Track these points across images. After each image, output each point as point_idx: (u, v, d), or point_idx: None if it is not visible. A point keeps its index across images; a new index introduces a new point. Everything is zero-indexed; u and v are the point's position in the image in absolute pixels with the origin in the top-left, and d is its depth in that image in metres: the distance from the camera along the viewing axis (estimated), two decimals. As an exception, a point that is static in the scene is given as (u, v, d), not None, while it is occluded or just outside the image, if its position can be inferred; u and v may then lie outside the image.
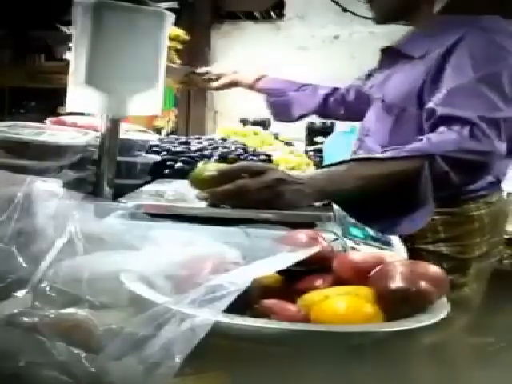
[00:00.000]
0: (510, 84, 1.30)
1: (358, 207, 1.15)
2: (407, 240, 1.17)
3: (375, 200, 1.14)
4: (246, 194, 1.02)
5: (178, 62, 3.00)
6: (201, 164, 1.19)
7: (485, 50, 1.32)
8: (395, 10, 1.52)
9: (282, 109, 1.92)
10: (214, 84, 1.99)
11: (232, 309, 0.59)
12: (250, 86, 1.96)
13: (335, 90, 1.86)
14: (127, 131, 1.36)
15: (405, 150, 1.19)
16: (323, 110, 1.88)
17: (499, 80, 1.29)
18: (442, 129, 1.24)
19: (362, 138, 1.60)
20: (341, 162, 1.17)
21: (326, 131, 2.65)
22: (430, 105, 1.30)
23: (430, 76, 1.37)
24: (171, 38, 2.69)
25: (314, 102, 1.87)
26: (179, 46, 2.94)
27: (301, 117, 1.94)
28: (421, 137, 1.24)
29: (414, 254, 1.16)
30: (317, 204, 1.11)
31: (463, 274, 1.49)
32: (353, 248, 0.97)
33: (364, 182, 1.13)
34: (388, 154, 1.19)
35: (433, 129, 1.26)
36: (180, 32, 2.98)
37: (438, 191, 1.19)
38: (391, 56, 1.54)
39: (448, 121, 1.24)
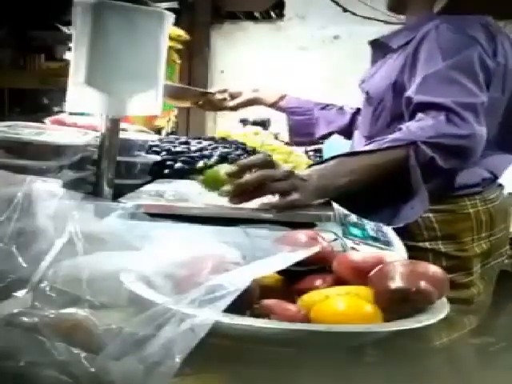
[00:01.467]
0: (482, 71, 1.32)
1: (354, 201, 1.16)
2: (405, 238, 1.18)
3: (369, 192, 1.16)
4: (267, 184, 1.04)
5: (179, 61, 3.01)
6: (213, 168, 1.17)
7: (454, 38, 1.35)
8: (399, 5, 1.58)
9: (304, 128, 1.89)
10: (232, 103, 1.91)
11: (232, 309, 0.59)
12: (272, 105, 1.93)
13: (359, 109, 1.84)
14: (127, 131, 1.36)
15: (386, 141, 1.21)
16: (349, 128, 1.85)
17: (471, 67, 1.31)
18: (419, 116, 1.26)
19: (354, 133, 1.65)
20: (328, 160, 1.18)
21: (326, 131, 2.64)
22: (407, 93, 1.32)
23: (406, 67, 1.40)
24: (172, 38, 2.69)
25: (343, 121, 1.85)
26: (180, 46, 2.94)
27: (322, 137, 1.92)
28: (400, 126, 1.26)
29: (413, 252, 1.16)
30: (316, 203, 1.12)
31: (467, 274, 1.49)
32: (353, 248, 0.97)
33: (354, 175, 1.15)
34: (371, 147, 1.21)
35: (412, 117, 1.28)
36: (181, 32, 2.99)
37: (432, 178, 1.20)
38: (379, 49, 1.58)
39: (424, 108, 1.26)
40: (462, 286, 1.47)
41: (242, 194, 1.04)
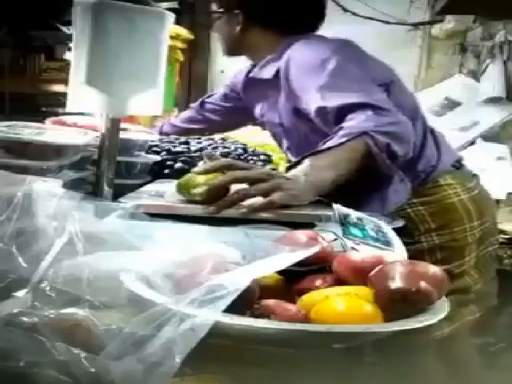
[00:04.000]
0: (362, 71, 1.38)
1: (342, 198, 1.16)
2: (402, 235, 1.18)
3: (348, 185, 1.16)
4: (244, 187, 1.03)
5: (181, 60, 3.00)
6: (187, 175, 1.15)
7: (312, 55, 1.42)
8: (233, 49, 1.67)
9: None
10: None
11: (232, 309, 0.59)
12: None
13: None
14: (127, 131, 1.36)
15: (340, 136, 1.19)
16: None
17: (348, 71, 1.37)
18: (349, 117, 1.26)
19: (286, 152, 1.69)
20: (299, 161, 1.18)
21: (326, 131, 2.64)
22: (317, 105, 1.33)
23: (289, 95, 1.46)
24: (172, 37, 2.69)
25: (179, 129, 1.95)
26: (180, 45, 2.94)
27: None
28: (340, 126, 1.25)
29: (408, 246, 1.18)
30: (310, 201, 1.12)
31: (461, 263, 1.51)
32: (353, 248, 0.97)
33: (333, 170, 1.14)
34: (330, 144, 1.20)
35: (337, 123, 1.27)
36: (182, 31, 2.98)
37: (394, 167, 1.22)
38: (255, 85, 1.65)
39: (347, 110, 1.27)
40: (457, 276, 1.49)
41: (217, 198, 1.02)
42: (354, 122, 1.23)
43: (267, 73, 1.55)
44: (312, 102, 1.35)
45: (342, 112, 1.28)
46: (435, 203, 1.51)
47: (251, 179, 1.04)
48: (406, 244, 1.09)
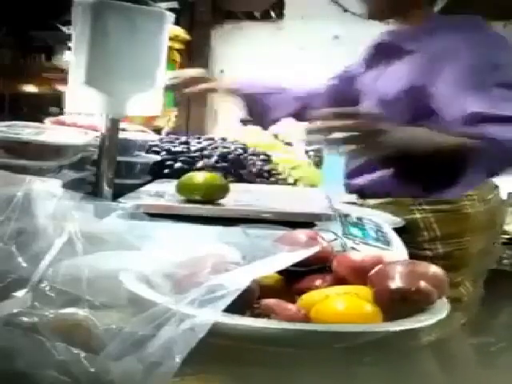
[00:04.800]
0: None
1: (419, 162, 1.24)
2: (403, 237, 1.18)
3: (438, 160, 1.22)
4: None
5: (179, 60, 3.00)
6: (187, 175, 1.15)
7: (489, 52, 1.37)
8: (387, 13, 1.56)
9: (258, 114, 1.82)
10: (194, 88, 1.74)
11: (232, 309, 0.59)
12: (228, 91, 1.81)
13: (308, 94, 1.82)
14: (127, 131, 1.36)
15: (474, 133, 1.23)
16: (300, 114, 1.80)
17: (502, 80, 1.32)
18: (489, 124, 1.26)
19: None
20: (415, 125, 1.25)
21: (326, 131, 2.64)
22: (472, 109, 1.30)
23: (429, 72, 1.40)
24: (170, 38, 2.68)
25: (292, 107, 1.80)
26: (178, 46, 2.93)
27: (274, 121, 1.87)
28: (479, 125, 1.26)
29: (410, 252, 1.17)
30: (319, 200, 1.12)
31: (459, 273, 1.50)
32: (352, 248, 0.97)
33: (433, 143, 1.21)
34: (459, 131, 1.24)
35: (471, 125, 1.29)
36: (180, 31, 2.98)
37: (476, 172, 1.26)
38: (384, 51, 1.57)
39: (487, 119, 1.27)
40: (453, 286, 1.48)
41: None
42: (491, 128, 1.24)
43: (409, 43, 1.50)
44: (461, 103, 1.32)
45: (482, 120, 1.28)
46: (448, 212, 1.49)
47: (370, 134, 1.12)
48: (408, 249, 1.09)
